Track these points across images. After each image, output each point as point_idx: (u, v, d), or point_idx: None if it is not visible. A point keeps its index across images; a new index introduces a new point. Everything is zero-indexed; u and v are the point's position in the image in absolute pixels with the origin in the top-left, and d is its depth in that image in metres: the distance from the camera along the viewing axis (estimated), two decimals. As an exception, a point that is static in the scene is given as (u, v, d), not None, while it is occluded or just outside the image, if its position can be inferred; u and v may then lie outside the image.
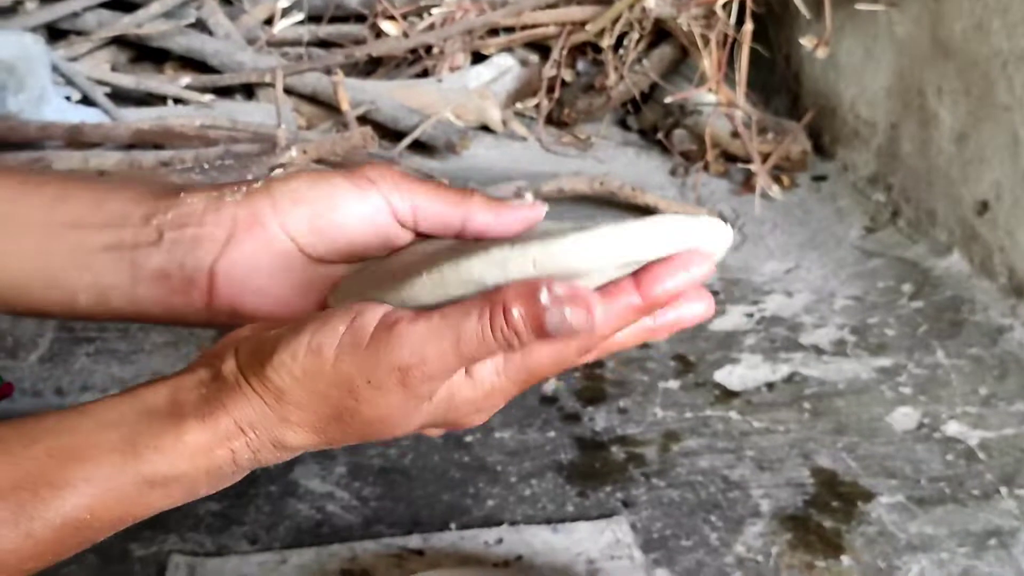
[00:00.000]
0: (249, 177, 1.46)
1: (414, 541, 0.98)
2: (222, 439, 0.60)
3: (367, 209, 0.70)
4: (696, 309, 0.61)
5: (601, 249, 0.56)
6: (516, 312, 0.55)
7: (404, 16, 2.04)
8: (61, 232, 0.72)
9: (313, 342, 0.59)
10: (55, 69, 1.84)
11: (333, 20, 2.10)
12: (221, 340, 0.65)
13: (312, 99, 1.91)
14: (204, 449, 0.59)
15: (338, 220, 0.70)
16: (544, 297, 0.55)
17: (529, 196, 0.73)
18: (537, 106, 1.94)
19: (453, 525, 1.01)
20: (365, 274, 0.69)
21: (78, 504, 0.58)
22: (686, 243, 0.57)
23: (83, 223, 0.72)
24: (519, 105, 1.98)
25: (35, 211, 0.72)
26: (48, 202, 0.72)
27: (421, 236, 0.72)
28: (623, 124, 1.99)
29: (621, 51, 1.90)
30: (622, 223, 0.56)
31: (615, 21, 1.88)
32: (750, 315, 1.40)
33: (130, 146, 1.71)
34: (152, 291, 0.71)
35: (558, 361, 0.60)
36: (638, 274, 0.58)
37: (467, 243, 0.68)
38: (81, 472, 0.59)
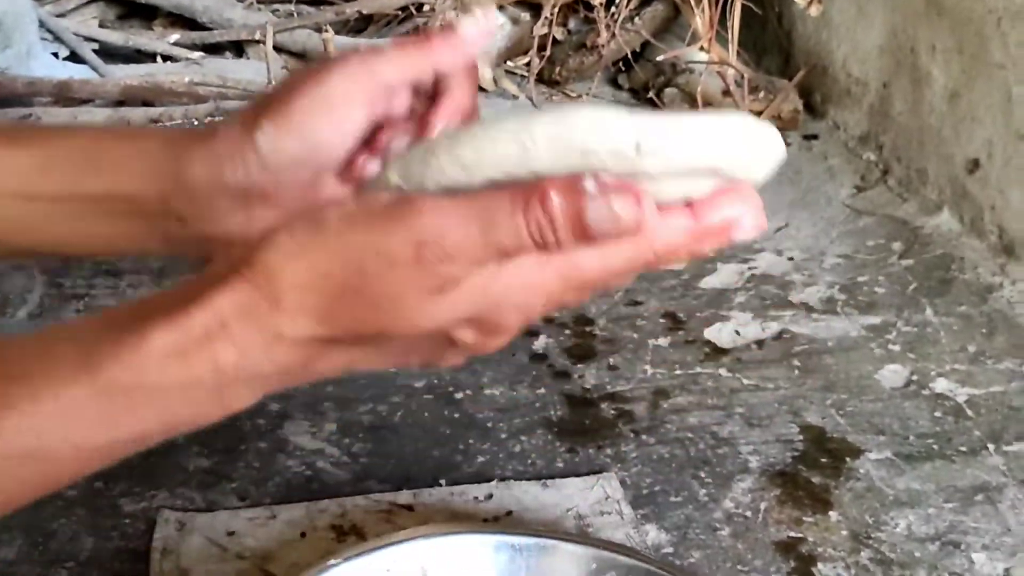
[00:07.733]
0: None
1: (404, 497, 0.98)
2: (199, 340, 0.50)
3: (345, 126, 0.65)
4: (747, 223, 0.56)
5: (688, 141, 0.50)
6: (555, 199, 0.48)
7: (395, -27, 2.02)
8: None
9: (315, 216, 0.51)
10: (42, 25, 1.82)
11: (323, -23, 2.08)
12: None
13: (302, 57, 1.90)
14: (175, 353, 0.50)
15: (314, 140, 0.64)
16: (590, 185, 0.48)
17: (478, 12, 0.68)
18: (528, 64, 1.93)
19: (443, 481, 1.02)
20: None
21: (22, 426, 0.50)
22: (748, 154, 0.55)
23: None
24: (510, 63, 1.97)
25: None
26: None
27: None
28: (614, 83, 1.98)
29: (613, 9, 1.88)
30: (691, 115, 0.51)
31: (607, -22, 1.87)
32: (740, 273, 1.40)
33: (119, 103, 1.70)
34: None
35: (606, 267, 0.52)
36: (693, 201, 0.53)
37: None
38: (26, 389, 0.50)
